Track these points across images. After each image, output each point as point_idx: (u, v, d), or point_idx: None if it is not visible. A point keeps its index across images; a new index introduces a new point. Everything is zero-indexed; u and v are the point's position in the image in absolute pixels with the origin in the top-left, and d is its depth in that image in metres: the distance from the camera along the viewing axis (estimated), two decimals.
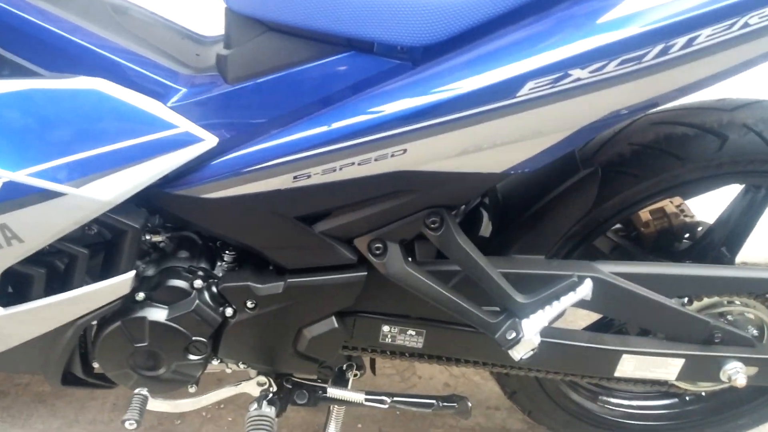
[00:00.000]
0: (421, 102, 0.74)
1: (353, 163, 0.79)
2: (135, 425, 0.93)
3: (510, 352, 0.92)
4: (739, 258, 1.14)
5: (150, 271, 0.95)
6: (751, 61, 0.73)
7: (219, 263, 0.97)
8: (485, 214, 1.08)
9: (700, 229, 1.18)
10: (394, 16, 0.73)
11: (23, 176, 0.75)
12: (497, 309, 0.96)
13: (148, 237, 0.92)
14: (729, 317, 1.06)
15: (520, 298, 0.92)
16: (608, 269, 0.97)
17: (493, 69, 0.72)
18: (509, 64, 0.71)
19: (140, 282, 0.94)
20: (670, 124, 0.97)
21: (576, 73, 0.70)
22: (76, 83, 0.77)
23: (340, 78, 0.78)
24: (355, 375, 1.14)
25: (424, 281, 0.91)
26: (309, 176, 0.81)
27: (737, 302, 1.06)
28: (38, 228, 0.79)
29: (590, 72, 0.70)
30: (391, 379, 1.56)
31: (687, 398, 1.26)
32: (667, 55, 0.69)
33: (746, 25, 0.69)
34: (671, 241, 1.17)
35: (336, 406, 1.14)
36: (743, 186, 1.09)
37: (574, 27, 0.70)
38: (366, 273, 0.92)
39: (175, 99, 0.82)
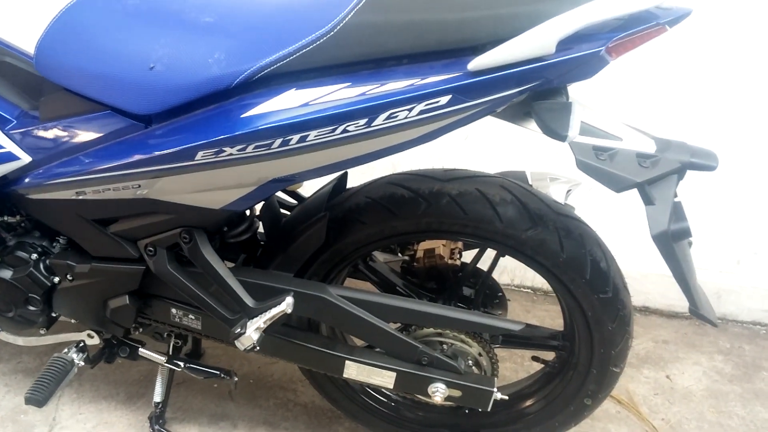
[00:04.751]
0: (138, 155, 1.04)
1: (110, 189, 1.11)
2: None
3: (236, 343, 1.20)
4: None
5: (11, 242, 1.32)
6: (360, 157, 0.98)
7: (55, 244, 1.32)
8: None
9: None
10: (123, 91, 1.03)
11: None
12: None
13: (6, 218, 1.28)
14: (445, 347, 1.29)
15: (250, 303, 1.20)
16: (337, 292, 1.23)
17: (181, 138, 1.00)
18: (188, 137, 1.00)
19: (2, 247, 1.31)
20: (396, 185, 1.20)
21: (228, 150, 0.98)
22: None
23: (100, 129, 1.09)
24: (177, 343, 1.47)
25: (180, 280, 1.21)
26: (85, 193, 1.13)
27: (458, 337, 1.29)
28: None
29: (237, 150, 0.97)
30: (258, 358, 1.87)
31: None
32: (288, 145, 0.95)
33: (345, 131, 0.94)
34: (442, 277, 1.40)
35: (160, 366, 1.47)
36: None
37: (226, 117, 0.97)
38: (144, 267, 1.24)
39: (8, 126, 1.17)
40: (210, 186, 1.05)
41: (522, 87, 0.93)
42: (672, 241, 1.01)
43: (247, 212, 1.33)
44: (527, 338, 1.41)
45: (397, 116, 0.93)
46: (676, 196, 1.07)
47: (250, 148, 0.97)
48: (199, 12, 1.03)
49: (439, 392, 1.25)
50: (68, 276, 1.29)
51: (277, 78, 0.96)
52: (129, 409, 1.64)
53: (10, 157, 1.15)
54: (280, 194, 1.51)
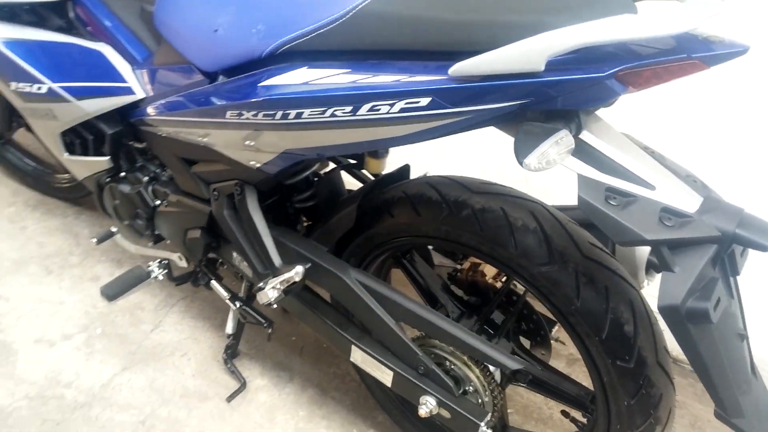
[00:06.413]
0: (194, 107, 1.18)
1: (181, 132, 1.27)
2: (95, 241, 1.61)
3: (257, 296, 1.30)
4: None
5: (139, 164, 1.58)
6: (349, 145, 1.00)
7: (164, 173, 1.54)
8: None
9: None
10: (195, 49, 1.17)
11: (57, 86, 1.43)
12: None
13: (131, 143, 1.54)
14: (447, 364, 1.23)
15: (276, 262, 1.28)
16: (357, 277, 1.25)
17: (220, 97, 1.11)
18: (224, 97, 1.10)
19: (130, 165, 1.57)
20: (431, 187, 1.17)
21: (245, 113, 1.06)
22: (92, 45, 1.40)
23: (182, 79, 1.25)
24: (254, 284, 1.61)
25: (230, 226, 1.34)
26: (168, 132, 1.31)
27: (465, 362, 1.22)
28: (62, 114, 1.47)
29: (252, 116, 1.05)
30: None
31: None
32: (287, 119, 1.01)
33: (333, 115, 0.95)
34: (483, 295, 1.33)
35: (233, 308, 1.62)
36: None
37: (250, 84, 1.04)
38: (210, 209, 1.39)
39: (135, 65, 1.39)
40: (241, 145, 1.15)
41: (508, 102, 0.85)
42: (686, 321, 0.85)
43: (315, 179, 1.41)
44: (556, 388, 1.27)
45: (379, 109, 0.92)
46: (721, 272, 0.90)
47: (260, 116, 1.04)
48: None
49: (427, 405, 1.20)
50: (164, 202, 1.50)
51: (297, 54, 1.01)
52: (216, 334, 1.85)
53: (129, 91, 1.38)
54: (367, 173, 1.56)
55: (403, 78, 0.90)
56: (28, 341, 1.77)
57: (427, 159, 2.01)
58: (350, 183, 1.50)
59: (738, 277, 0.95)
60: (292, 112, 0.99)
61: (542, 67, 0.80)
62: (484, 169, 2.01)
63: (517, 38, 0.81)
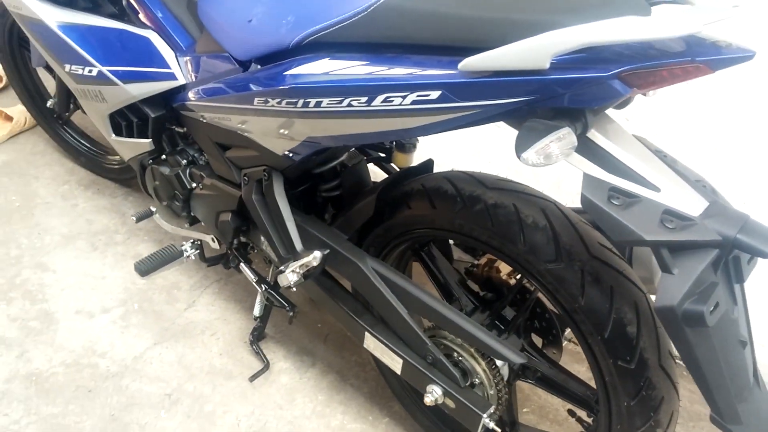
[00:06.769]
0: (227, 93, 1.24)
1: (216, 118, 1.34)
2: (134, 219, 1.70)
3: (278, 278, 1.35)
4: None
5: (179, 147, 1.65)
6: (367, 134, 1.03)
7: (202, 157, 1.61)
8: None
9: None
10: (230, 38, 1.23)
11: (106, 70, 1.52)
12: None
13: (173, 127, 1.61)
14: (455, 356, 1.25)
15: (298, 246, 1.33)
16: (374, 266, 1.29)
17: (249, 84, 1.17)
18: (253, 84, 1.16)
19: (171, 148, 1.65)
20: (448, 181, 1.20)
21: (270, 101, 1.11)
22: (140, 32, 1.49)
23: (218, 67, 1.32)
24: (276, 268, 1.68)
25: (257, 210, 1.40)
26: (204, 118, 1.38)
27: (470, 350, 1.25)
28: (110, 97, 1.56)
29: (276, 103, 1.10)
30: None
31: None
32: (308, 107, 1.05)
33: (350, 105, 1.00)
34: (497, 291, 1.35)
35: (259, 291, 1.69)
36: None
37: (276, 73, 1.10)
38: (240, 193, 1.45)
39: (179, 52, 1.47)
40: (275, 133, 1.20)
41: (514, 99, 0.87)
42: (682, 323, 0.86)
43: (342, 170, 1.46)
44: (563, 387, 1.28)
45: (392, 101, 0.95)
46: (723, 277, 0.90)
47: (283, 103, 1.09)
48: None
49: (433, 394, 1.23)
50: (200, 185, 1.58)
51: (321, 46, 1.06)
52: (246, 316, 1.92)
53: (172, 77, 1.45)
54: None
55: (416, 71, 0.93)
56: (69, 311, 1.88)
57: (457, 156, 2.04)
58: (379, 176, 1.54)
59: (744, 285, 0.95)
60: (312, 101, 1.04)
61: (547, 65, 0.82)
62: (519, 170, 2.02)
63: (527, 36, 0.83)
